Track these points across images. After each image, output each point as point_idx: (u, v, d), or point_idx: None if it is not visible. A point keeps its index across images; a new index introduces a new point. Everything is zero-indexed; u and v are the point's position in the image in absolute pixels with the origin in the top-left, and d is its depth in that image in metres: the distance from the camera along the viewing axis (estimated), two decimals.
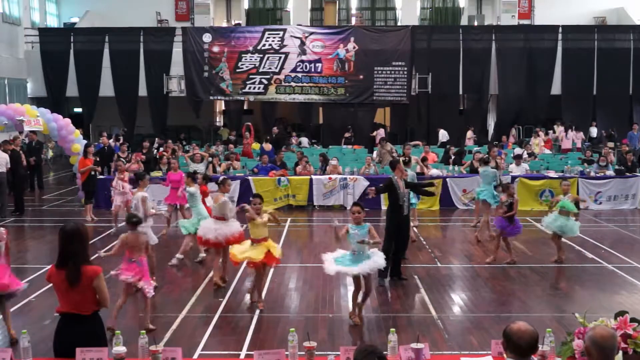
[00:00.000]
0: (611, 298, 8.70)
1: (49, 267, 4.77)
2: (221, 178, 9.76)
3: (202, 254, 10.55)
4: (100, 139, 19.87)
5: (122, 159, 15.57)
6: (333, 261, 7.58)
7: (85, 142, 15.96)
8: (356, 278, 7.53)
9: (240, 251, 8.15)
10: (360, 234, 7.45)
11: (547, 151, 21.46)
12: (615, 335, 3.51)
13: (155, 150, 18.67)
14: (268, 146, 19.37)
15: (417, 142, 21.98)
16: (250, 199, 8.57)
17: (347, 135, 23.67)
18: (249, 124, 21.68)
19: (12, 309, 8.05)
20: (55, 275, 4.65)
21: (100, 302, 4.70)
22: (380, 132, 23.74)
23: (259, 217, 8.02)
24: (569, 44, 24.92)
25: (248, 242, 8.22)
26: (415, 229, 11.99)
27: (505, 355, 3.62)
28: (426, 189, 10.39)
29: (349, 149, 21.65)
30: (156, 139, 21.58)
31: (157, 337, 6.73)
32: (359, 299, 7.67)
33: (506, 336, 3.53)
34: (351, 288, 7.97)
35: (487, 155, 13.78)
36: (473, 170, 15.16)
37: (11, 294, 7.09)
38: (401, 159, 10.42)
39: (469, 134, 23.57)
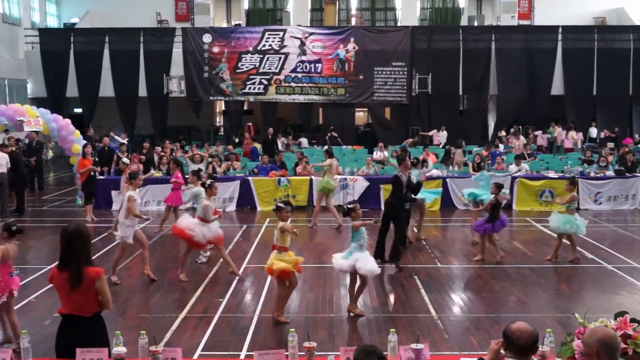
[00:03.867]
0: (611, 298, 8.70)
1: (49, 267, 4.78)
2: (208, 182, 9.72)
3: (206, 254, 10.52)
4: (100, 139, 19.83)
5: (122, 160, 15.54)
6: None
7: (85, 142, 15.98)
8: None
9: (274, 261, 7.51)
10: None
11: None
12: (617, 335, 3.51)
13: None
14: (258, 146, 19.58)
15: (430, 133, 22.17)
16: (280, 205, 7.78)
17: (334, 134, 23.11)
18: (250, 124, 21.68)
19: None
20: (57, 277, 4.65)
21: (103, 303, 4.70)
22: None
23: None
24: (569, 44, 24.94)
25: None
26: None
27: (505, 355, 3.62)
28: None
29: (349, 149, 21.62)
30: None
31: (157, 337, 6.74)
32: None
33: (506, 336, 3.53)
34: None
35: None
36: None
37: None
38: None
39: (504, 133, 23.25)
